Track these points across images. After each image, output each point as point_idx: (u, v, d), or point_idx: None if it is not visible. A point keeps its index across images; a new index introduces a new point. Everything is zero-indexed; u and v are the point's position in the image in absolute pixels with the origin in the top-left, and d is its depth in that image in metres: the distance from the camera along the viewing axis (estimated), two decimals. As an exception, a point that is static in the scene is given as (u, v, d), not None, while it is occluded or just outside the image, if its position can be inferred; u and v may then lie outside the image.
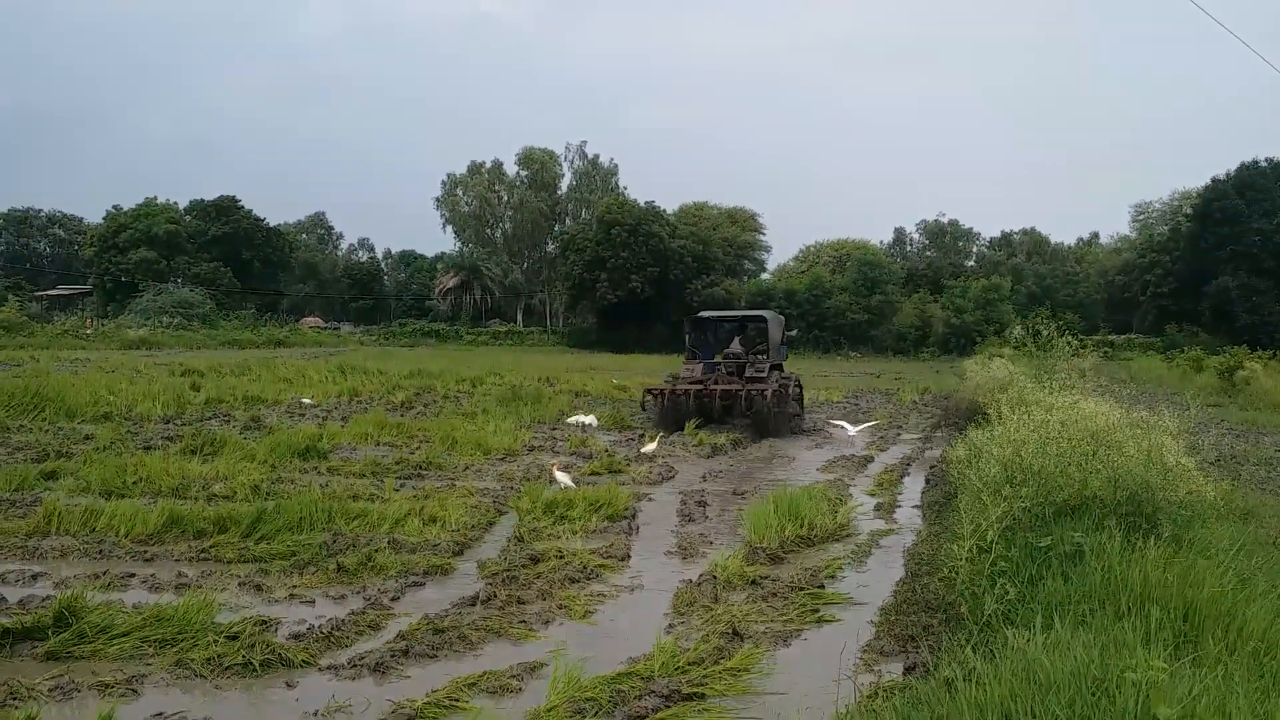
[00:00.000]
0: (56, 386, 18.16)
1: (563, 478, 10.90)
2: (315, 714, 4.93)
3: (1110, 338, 57.08)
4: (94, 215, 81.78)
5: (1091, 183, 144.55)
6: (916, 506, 10.94)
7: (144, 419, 16.46)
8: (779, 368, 19.78)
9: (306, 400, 20.10)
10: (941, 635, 5.83)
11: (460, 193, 78.51)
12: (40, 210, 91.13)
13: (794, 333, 23.52)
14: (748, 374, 18.73)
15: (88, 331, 52.32)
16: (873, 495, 11.59)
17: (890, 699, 4.45)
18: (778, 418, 17.93)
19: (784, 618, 6.62)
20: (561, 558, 7.95)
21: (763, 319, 21.07)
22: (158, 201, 73.63)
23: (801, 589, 7.22)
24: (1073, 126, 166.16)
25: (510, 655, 5.84)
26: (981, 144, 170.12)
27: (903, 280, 65.27)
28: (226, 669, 5.44)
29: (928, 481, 12.42)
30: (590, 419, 17.99)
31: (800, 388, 20.26)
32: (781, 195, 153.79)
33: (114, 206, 73.23)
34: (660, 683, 5.26)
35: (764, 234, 74.76)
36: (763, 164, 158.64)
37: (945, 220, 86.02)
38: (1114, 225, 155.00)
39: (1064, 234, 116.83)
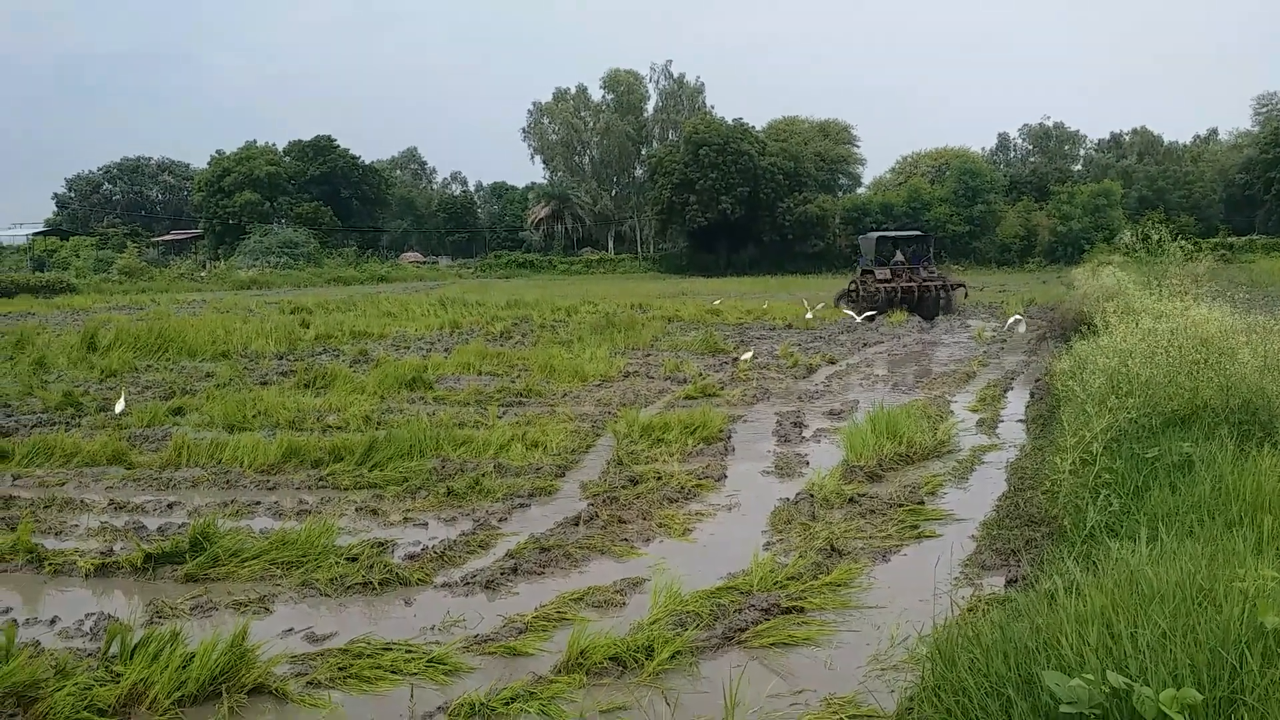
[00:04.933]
0: (177, 328, 19.18)
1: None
2: (432, 628, 5.22)
3: (1230, 240, 53.85)
4: (199, 160, 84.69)
5: (1209, 76, 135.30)
6: (1020, 421, 10.73)
7: (259, 356, 17.28)
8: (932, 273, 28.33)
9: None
10: (1043, 549, 5.79)
11: (547, 121, 78.25)
12: (150, 158, 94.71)
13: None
14: (921, 277, 27.42)
15: (202, 274, 54.67)
16: (974, 411, 11.41)
17: (989, 612, 4.47)
18: (944, 307, 27.05)
19: (882, 534, 6.65)
20: (659, 479, 8.11)
21: (927, 236, 31.51)
22: (257, 144, 75.72)
23: (900, 506, 7.23)
24: (1188, 15, 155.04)
25: (613, 572, 6.05)
26: (1090, 41, 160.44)
27: (1006, 188, 62.54)
28: (348, 588, 5.80)
29: (1032, 395, 12.14)
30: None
31: (958, 286, 28.52)
32: (876, 105, 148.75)
33: (217, 151, 75.67)
34: (759, 597, 5.39)
35: (858, 146, 72.70)
36: (856, 73, 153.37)
37: (1050, 123, 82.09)
38: (1234, 120, 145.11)
39: (1179, 132, 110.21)
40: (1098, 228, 54.27)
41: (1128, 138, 78.23)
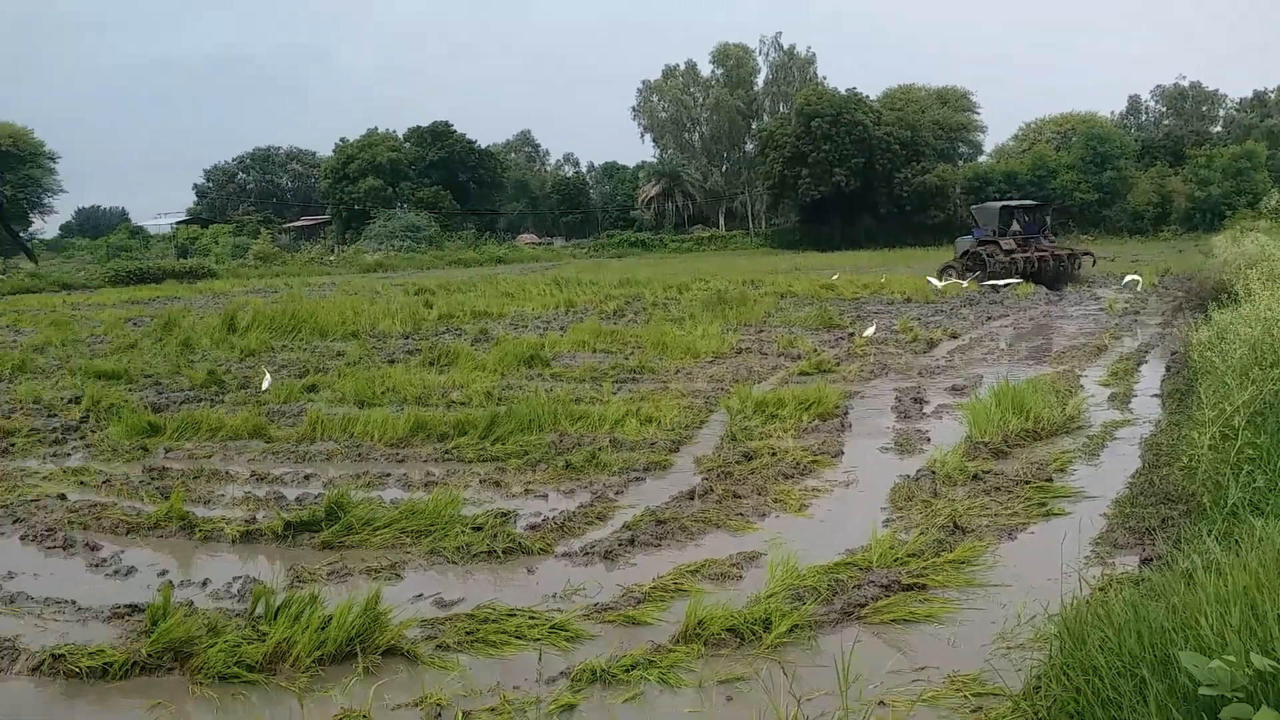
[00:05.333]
0: (309, 310, 20.08)
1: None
2: (554, 596, 5.37)
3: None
4: (324, 149, 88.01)
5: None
6: (1155, 395, 10.22)
7: (386, 336, 17.96)
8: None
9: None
10: (1181, 527, 5.52)
11: (656, 99, 78.05)
12: (279, 148, 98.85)
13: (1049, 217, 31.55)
14: (1043, 246, 27.40)
15: (331, 258, 57.00)
16: (1106, 385, 10.92)
17: (1122, 591, 4.30)
18: (1071, 276, 27.32)
19: (1008, 511, 6.47)
20: (774, 455, 8.08)
21: (1044, 205, 32.06)
22: (379, 131, 78.18)
23: (1027, 483, 7.00)
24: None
25: (729, 545, 6.08)
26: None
27: (1137, 153, 59.18)
28: (474, 556, 6.01)
29: (1168, 369, 11.54)
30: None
31: (1085, 255, 29.02)
32: (997, 71, 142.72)
33: (341, 139, 78.38)
34: (879, 573, 5.33)
35: (978, 113, 69.80)
36: (976, 38, 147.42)
37: (1186, 83, 77.04)
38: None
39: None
40: (1239, 192, 50.86)
41: (1274, 95, 72.75)
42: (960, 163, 64.92)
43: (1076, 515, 6.30)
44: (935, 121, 63.76)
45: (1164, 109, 78.64)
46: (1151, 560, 5.02)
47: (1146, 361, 12.60)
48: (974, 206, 31.61)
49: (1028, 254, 26.67)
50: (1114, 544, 5.68)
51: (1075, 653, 3.53)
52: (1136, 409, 9.62)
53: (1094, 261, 29.18)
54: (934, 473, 7.27)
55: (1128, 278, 22.77)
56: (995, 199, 40.42)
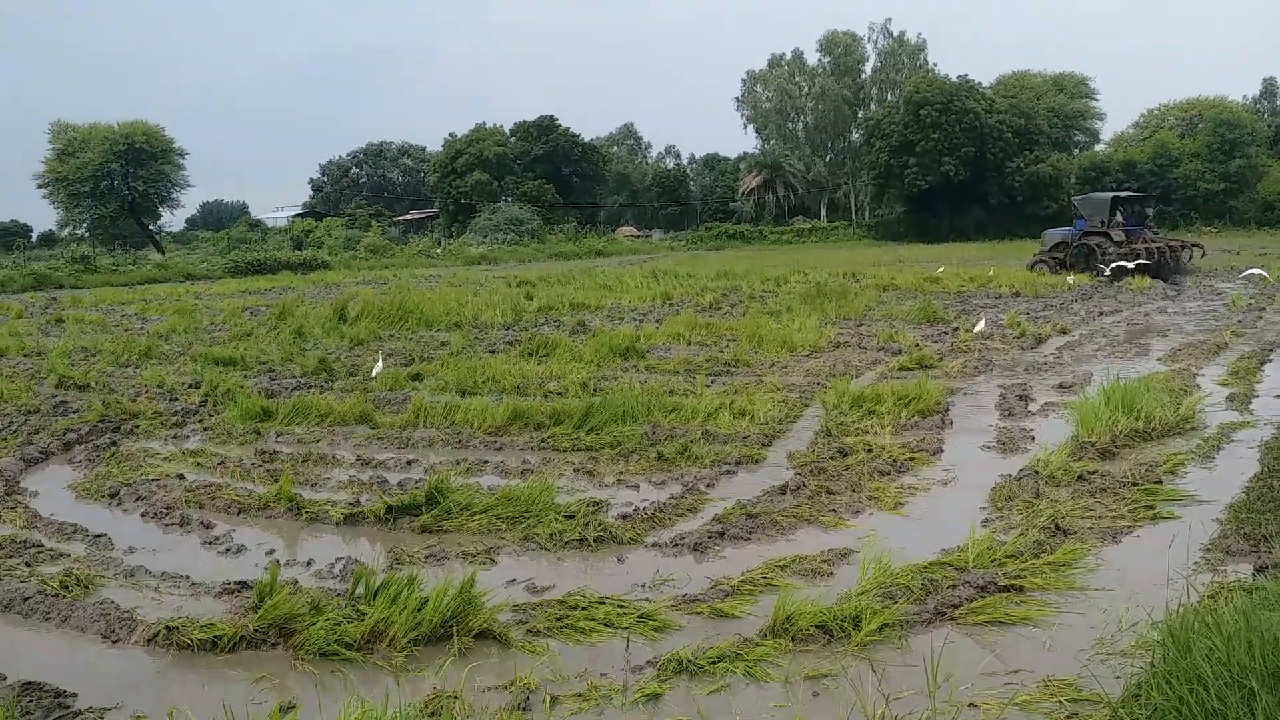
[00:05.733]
0: (416, 301, 20.67)
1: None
2: (643, 585, 5.41)
3: None
4: (434, 144, 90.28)
5: None
6: (1278, 396, 9.66)
7: (488, 326, 18.36)
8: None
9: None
10: (1301, 535, 5.22)
11: (760, 89, 77.44)
12: (391, 143, 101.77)
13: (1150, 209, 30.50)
14: (1147, 238, 27.02)
15: (437, 251, 58.51)
16: (1225, 385, 10.37)
17: (1233, 599, 4.10)
18: (1175, 268, 26.72)
19: (1114, 514, 6.22)
20: (870, 451, 7.95)
21: (1147, 197, 32.21)
22: (486, 126, 79.78)
23: (1135, 485, 6.72)
24: None
25: (820, 541, 6.02)
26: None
27: (1271, 140, 55.72)
28: (566, 543, 6.11)
29: (1297, 369, 10.89)
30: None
31: (1194, 247, 28.36)
32: (1118, 54, 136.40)
33: (450, 134, 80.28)
34: (975, 574, 5.20)
35: (1096, 99, 67.11)
36: (1096, 21, 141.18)
37: (1330, 63, 71.96)
38: None
39: None
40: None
41: None
42: (1076, 151, 62.37)
43: (1187, 519, 6.02)
44: (1050, 109, 61.47)
45: (1303, 92, 73.71)
46: (1267, 568, 4.76)
47: (1271, 360, 11.92)
48: (1078, 198, 30.94)
49: (1141, 245, 26.37)
50: (1226, 550, 5.40)
51: (1180, 661, 3.40)
52: (1257, 410, 9.12)
53: (1203, 254, 28.54)
54: (1037, 472, 7.05)
55: (1249, 271, 21.66)
56: (1096, 190, 40.13)
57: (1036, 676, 4.14)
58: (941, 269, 27.97)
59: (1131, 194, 31.08)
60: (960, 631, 4.68)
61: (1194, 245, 28.54)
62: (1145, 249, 26.19)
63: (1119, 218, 27.80)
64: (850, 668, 4.32)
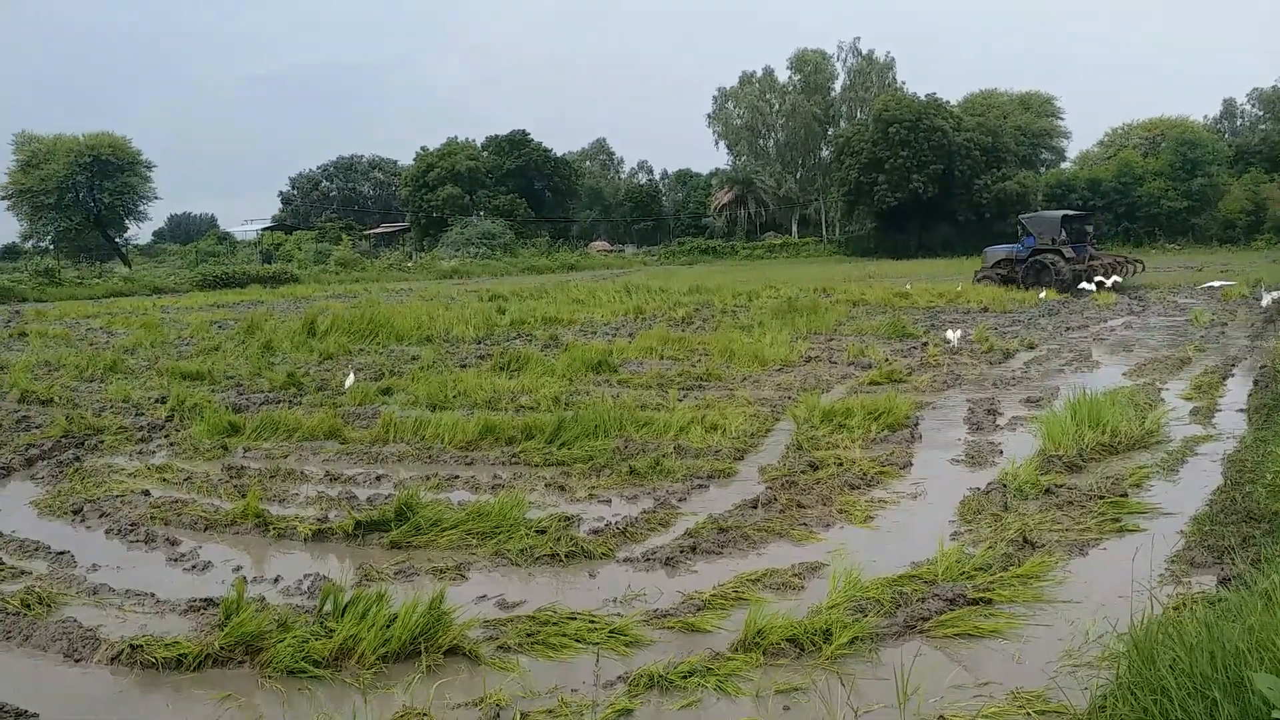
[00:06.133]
0: (386, 315, 20.54)
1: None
2: (614, 600, 5.40)
3: None
4: (405, 157, 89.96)
5: None
6: (1241, 410, 9.82)
7: (459, 340, 18.29)
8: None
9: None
10: (1262, 546, 5.30)
11: (731, 105, 77.99)
12: (362, 156, 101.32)
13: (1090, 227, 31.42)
14: (1092, 254, 28.57)
15: (409, 265, 58.24)
16: (1189, 399, 10.54)
17: (1196, 611, 4.16)
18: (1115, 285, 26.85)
19: (1080, 527, 6.30)
20: (840, 465, 8.00)
21: (1089, 215, 33.82)
22: (458, 140, 79.67)
23: (1101, 498, 6.80)
24: None
25: (791, 555, 6.04)
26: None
27: (1230, 159, 56.84)
28: (537, 558, 6.08)
29: (1255, 383, 11.06)
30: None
31: (1135, 263, 29.57)
32: (1083, 74, 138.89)
33: (421, 148, 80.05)
34: (944, 587, 5.24)
35: (1062, 119, 68.13)
36: (1061, 40, 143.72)
37: (1286, 86, 73.54)
38: None
39: None
40: (1341, 199, 48.51)
41: (1382, 99, 69.11)
42: (1043, 169, 63.29)
43: (1152, 532, 6.11)
44: (1017, 127, 62.37)
45: (1261, 112, 75.35)
46: (1230, 580, 4.84)
47: (1233, 375, 12.12)
48: (1025, 216, 31.89)
49: (1091, 263, 27.64)
50: (1190, 562, 5.48)
51: (1144, 672, 3.44)
52: (1220, 424, 9.26)
53: (1142, 269, 29.84)
54: (1005, 486, 7.12)
55: (1209, 284, 22.48)
56: (1048, 209, 42.10)
57: (1005, 689, 4.17)
58: (908, 285, 28.26)
59: (1075, 213, 32.20)
60: (930, 644, 4.70)
61: (1135, 261, 29.88)
62: (1101, 265, 27.40)
63: (1063, 234, 28.66)
64: (821, 681, 4.34)
